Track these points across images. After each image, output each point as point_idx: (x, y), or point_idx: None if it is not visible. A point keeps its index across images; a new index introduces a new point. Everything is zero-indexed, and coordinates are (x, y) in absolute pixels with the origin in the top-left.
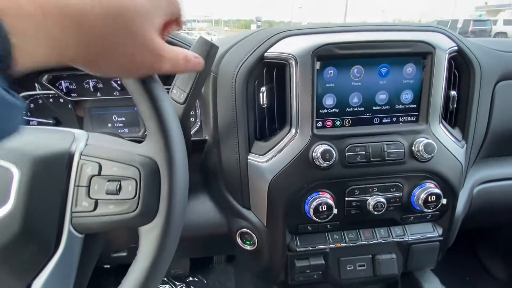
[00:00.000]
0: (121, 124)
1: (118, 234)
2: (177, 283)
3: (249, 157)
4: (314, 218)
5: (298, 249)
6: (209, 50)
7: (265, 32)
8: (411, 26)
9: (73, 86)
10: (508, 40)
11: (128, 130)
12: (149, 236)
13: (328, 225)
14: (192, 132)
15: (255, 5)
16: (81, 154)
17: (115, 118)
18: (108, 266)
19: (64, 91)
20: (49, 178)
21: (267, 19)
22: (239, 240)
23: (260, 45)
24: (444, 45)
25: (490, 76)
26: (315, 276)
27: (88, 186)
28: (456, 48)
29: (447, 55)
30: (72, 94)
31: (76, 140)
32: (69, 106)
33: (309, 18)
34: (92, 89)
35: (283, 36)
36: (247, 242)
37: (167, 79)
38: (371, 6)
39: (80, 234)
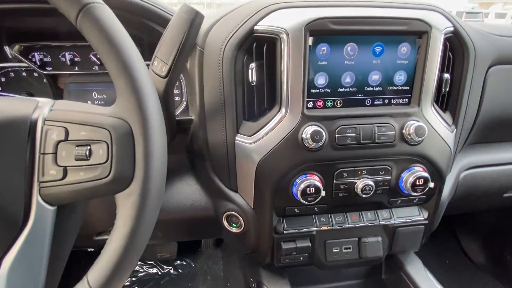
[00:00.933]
0: (102, 102)
1: (99, 215)
2: (165, 267)
3: (236, 138)
4: (301, 200)
5: (284, 232)
6: (193, 18)
7: (256, 4)
8: (408, 3)
9: (48, 59)
10: (503, 25)
11: None
12: (126, 203)
13: (316, 208)
14: (178, 112)
15: None
16: (44, 119)
17: (95, 95)
18: (92, 249)
19: (38, 63)
20: (10, 147)
21: None
22: (225, 223)
23: (250, 17)
24: (441, 24)
25: (483, 60)
26: (301, 258)
27: (55, 153)
28: (452, 29)
29: (443, 35)
30: (47, 68)
31: (39, 107)
32: (44, 80)
33: None
34: (69, 63)
35: (274, 9)
36: (233, 224)
37: (148, 53)
38: None
39: (51, 206)
